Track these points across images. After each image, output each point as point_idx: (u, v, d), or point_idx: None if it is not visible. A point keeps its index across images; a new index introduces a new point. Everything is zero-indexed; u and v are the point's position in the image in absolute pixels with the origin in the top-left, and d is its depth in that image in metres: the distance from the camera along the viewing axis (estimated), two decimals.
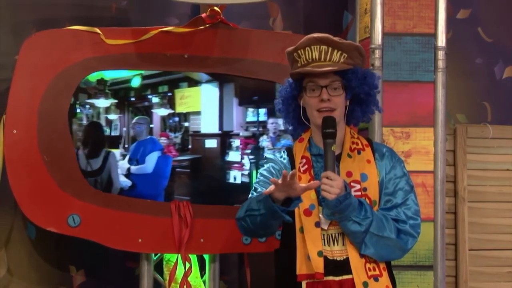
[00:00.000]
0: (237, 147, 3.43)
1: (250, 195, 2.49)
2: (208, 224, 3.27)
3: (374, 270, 2.36)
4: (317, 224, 2.36)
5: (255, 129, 3.46)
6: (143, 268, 3.34)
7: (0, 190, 3.30)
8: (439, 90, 3.21)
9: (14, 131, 3.15)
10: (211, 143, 3.45)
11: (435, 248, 3.18)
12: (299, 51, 2.43)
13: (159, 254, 3.42)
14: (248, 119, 3.47)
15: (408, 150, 3.21)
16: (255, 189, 2.48)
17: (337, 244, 2.38)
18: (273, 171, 2.49)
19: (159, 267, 3.43)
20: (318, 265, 2.32)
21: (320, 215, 2.37)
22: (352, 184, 2.39)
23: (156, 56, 3.27)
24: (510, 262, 3.63)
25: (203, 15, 3.28)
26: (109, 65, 3.26)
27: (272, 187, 2.23)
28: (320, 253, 2.33)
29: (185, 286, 3.26)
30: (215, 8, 3.25)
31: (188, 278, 3.27)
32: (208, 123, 3.44)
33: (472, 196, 3.61)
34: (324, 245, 2.37)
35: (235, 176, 3.42)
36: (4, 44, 3.58)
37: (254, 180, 3.34)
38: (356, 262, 2.35)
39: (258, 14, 3.82)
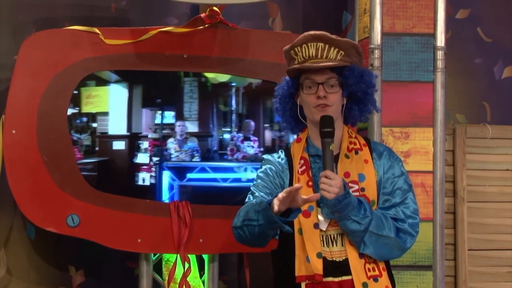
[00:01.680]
0: (146, 149, 3.39)
1: (247, 199, 2.46)
2: (207, 224, 3.27)
3: (374, 270, 2.35)
4: (316, 226, 2.35)
5: (163, 131, 3.42)
6: (142, 268, 3.34)
7: None
8: (438, 90, 3.21)
9: (14, 131, 3.15)
10: (119, 145, 3.38)
11: (434, 248, 3.18)
12: (295, 49, 2.43)
13: (158, 254, 3.42)
14: (157, 121, 3.43)
15: (408, 150, 3.20)
16: (253, 193, 2.46)
17: (336, 245, 2.37)
18: (270, 173, 2.48)
19: (158, 267, 3.43)
20: (317, 266, 2.31)
21: (319, 216, 2.37)
22: (350, 184, 2.37)
23: (155, 56, 3.27)
24: (510, 262, 3.63)
25: (202, 15, 3.28)
26: (108, 65, 3.26)
27: (279, 204, 2.17)
28: (319, 255, 2.33)
29: (184, 286, 3.26)
30: (214, 8, 3.25)
31: (187, 278, 3.27)
32: (116, 124, 3.38)
33: (471, 196, 3.60)
34: (323, 246, 2.36)
35: (144, 178, 3.38)
36: (4, 44, 3.58)
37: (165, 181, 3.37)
38: (355, 263, 2.34)
39: (258, 14, 3.82)
